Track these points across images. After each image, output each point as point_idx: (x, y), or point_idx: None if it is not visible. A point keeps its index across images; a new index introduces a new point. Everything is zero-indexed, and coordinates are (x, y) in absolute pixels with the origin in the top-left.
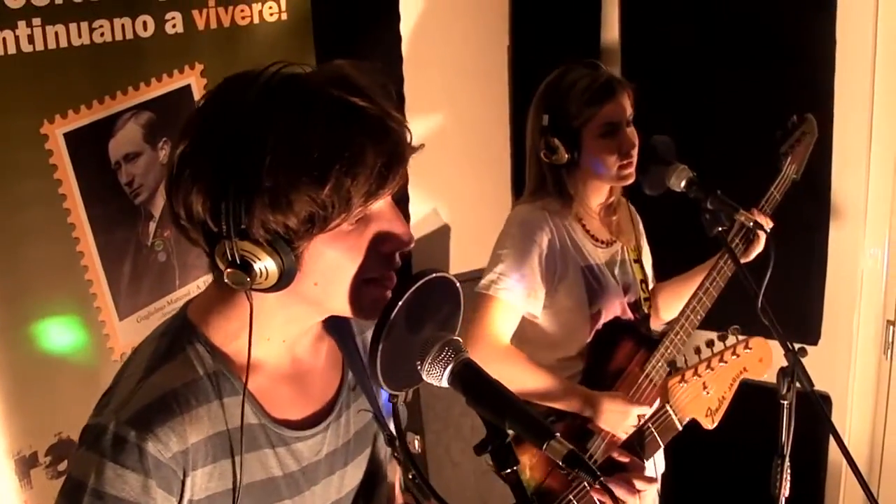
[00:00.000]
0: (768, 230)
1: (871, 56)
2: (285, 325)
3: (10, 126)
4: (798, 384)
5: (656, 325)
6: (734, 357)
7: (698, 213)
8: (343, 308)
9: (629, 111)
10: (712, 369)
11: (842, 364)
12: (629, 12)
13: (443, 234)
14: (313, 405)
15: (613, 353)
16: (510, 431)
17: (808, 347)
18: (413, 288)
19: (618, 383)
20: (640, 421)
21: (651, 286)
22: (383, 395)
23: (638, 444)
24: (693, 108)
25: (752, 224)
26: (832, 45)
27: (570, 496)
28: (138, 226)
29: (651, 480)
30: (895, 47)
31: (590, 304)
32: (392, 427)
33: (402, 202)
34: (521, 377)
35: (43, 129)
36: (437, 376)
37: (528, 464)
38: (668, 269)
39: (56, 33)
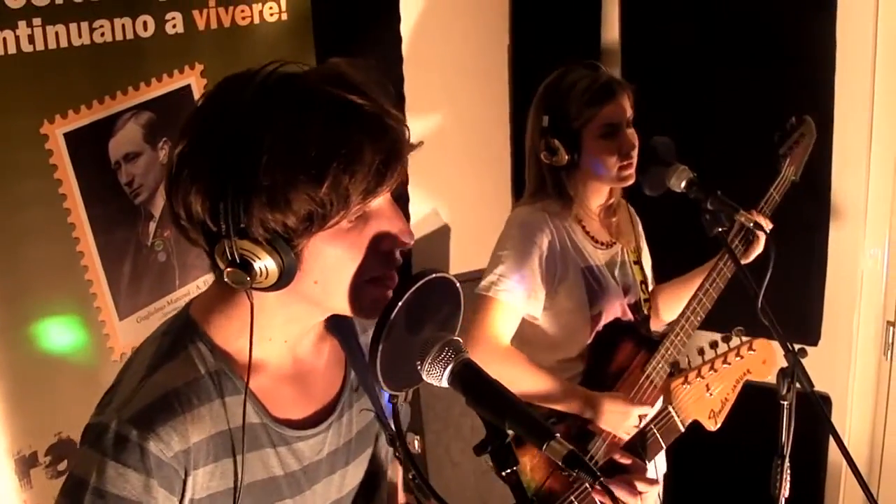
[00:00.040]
0: (768, 231)
1: (871, 56)
2: (286, 325)
3: (10, 126)
4: (798, 385)
5: (657, 326)
6: (738, 359)
7: (698, 213)
8: (343, 307)
9: (629, 112)
10: (715, 371)
11: (842, 365)
12: (629, 12)
13: (443, 234)
14: (315, 405)
15: (614, 355)
16: (510, 432)
17: (808, 348)
18: (413, 288)
19: (618, 385)
20: (641, 421)
21: (651, 287)
22: (385, 395)
23: (640, 446)
24: (693, 109)
25: (752, 224)
26: (832, 45)
27: (572, 497)
28: (138, 226)
29: (653, 482)
30: (895, 47)
31: (590, 305)
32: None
33: (402, 202)
34: (521, 378)
35: (43, 128)
36: (437, 376)
37: (529, 465)
38: (667, 271)
39: (56, 33)
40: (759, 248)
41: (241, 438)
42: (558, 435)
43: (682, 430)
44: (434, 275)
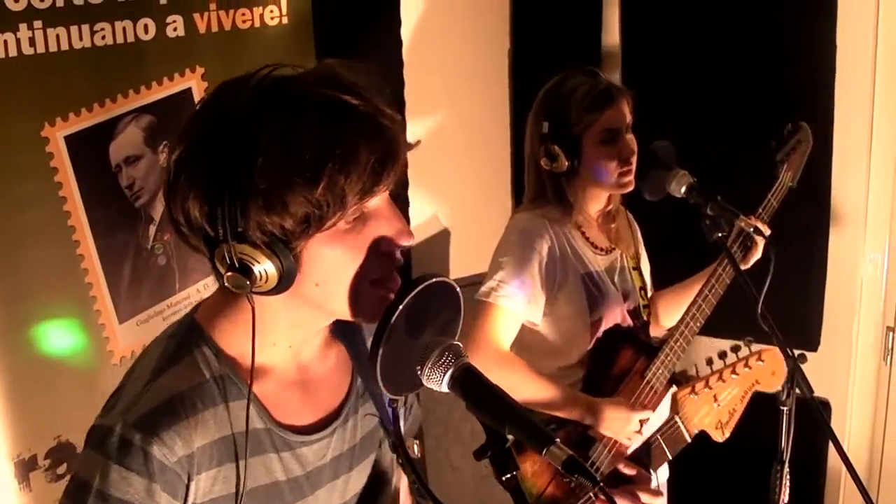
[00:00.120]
0: (767, 236)
1: (871, 59)
2: (290, 330)
3: (10, 129)
4: (798, 390)
5: (657, 332)
6: (746, 369)
7: (698, 218)
8: (344, 310)
9: (629, 118)
10: (723, 381)
11: (841, 370)
12: (629, 16)
13: (443, 238)
14: (320, 410)
15: (613, 361)
16: (510, 436)
17: (807, 354)
18: (413, 292)
19: (618, 390)
20: (642, 427)
21: (650, 293)
22: (385, 399)
23: (644, 456)
24: (694, 113)
25: (752, 230)
26: (833, 49)
27: None
28: (138, 229)
29: (657, 494)
30: None
31: (590, 311)
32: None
33: (402, 205)
34: (521, 385)
35: (44, 131)
36: (437, 381)
37: (531, 471)
38: (667, 276)
39: (57, 36)
40: (757, 254)
41: (244, 443)
42: (558, 440)
43: (689, 440)
44: (434, 279)
